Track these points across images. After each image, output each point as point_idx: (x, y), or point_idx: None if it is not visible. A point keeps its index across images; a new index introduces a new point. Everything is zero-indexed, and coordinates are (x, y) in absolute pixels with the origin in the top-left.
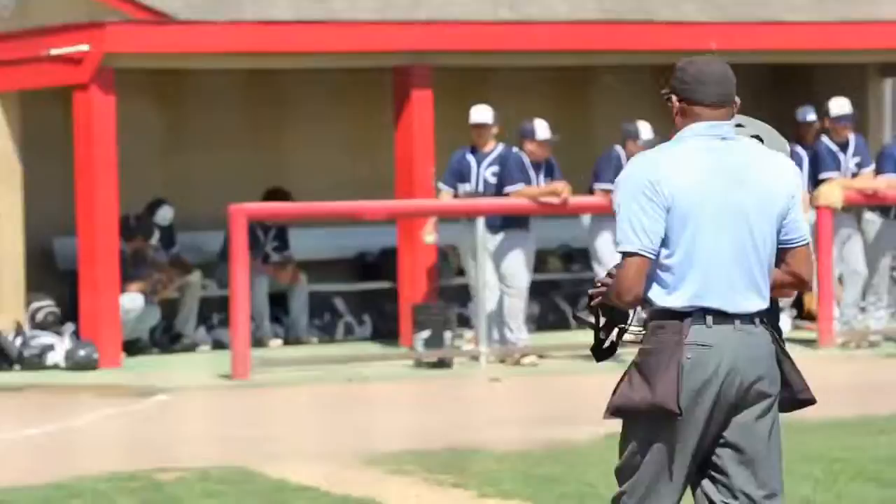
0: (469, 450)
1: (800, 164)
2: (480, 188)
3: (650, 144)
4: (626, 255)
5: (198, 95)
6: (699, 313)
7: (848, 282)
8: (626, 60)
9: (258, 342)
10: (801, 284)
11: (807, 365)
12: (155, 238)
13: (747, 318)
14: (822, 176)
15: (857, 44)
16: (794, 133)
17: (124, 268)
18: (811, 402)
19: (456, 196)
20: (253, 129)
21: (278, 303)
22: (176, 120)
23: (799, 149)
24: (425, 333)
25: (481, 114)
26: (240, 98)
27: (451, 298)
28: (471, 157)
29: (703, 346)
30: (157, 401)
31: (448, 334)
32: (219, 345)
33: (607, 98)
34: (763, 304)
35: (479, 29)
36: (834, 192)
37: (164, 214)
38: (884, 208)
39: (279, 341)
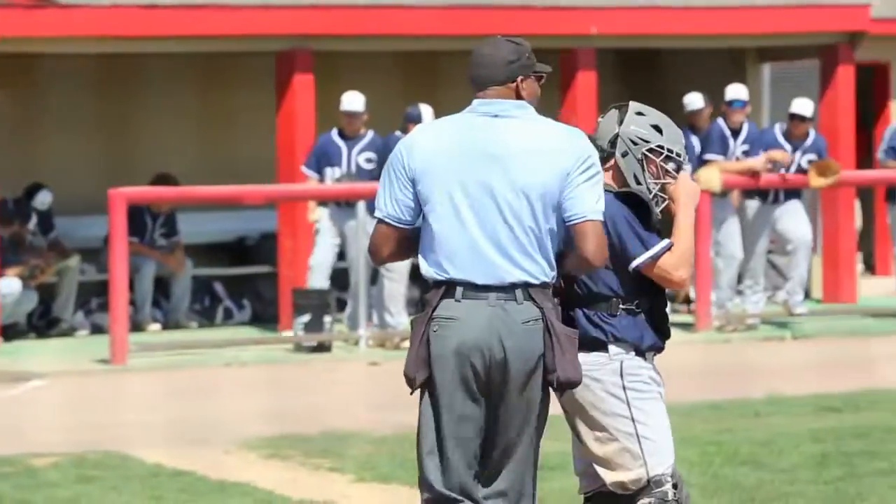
0: (347, 434)
1: (691, 153)
2: (353, 172)
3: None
4: (377, 220)
5: (60, 80)
6: (451, 286)
7: (724, 265)
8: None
9: (137, 326)
10: (585, 263)
11: (684, 349)
12: (33, 223)
13: (505, 292)
14: (706, 157)
15: (732, 28)
16: (684, 120)
17: (2, 253)
18: (571, 384)
19: (321, 181)
20: (108, 114)
21: (158, 287)
22: (45, 105)
23: (693, 138)
24: (305, 318)
25: (354, 102)
26: (110, 82)
27: (332, 283)
28: (340, 141)
29: (448, 319)
30: (33, 386)
31: (327, 318)
32: (97, 329)
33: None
34: (524, 278)
35: (363, 13)
36: (713, 175)
37: (43, 199)
38: (762, 192)
39: (158, 326)
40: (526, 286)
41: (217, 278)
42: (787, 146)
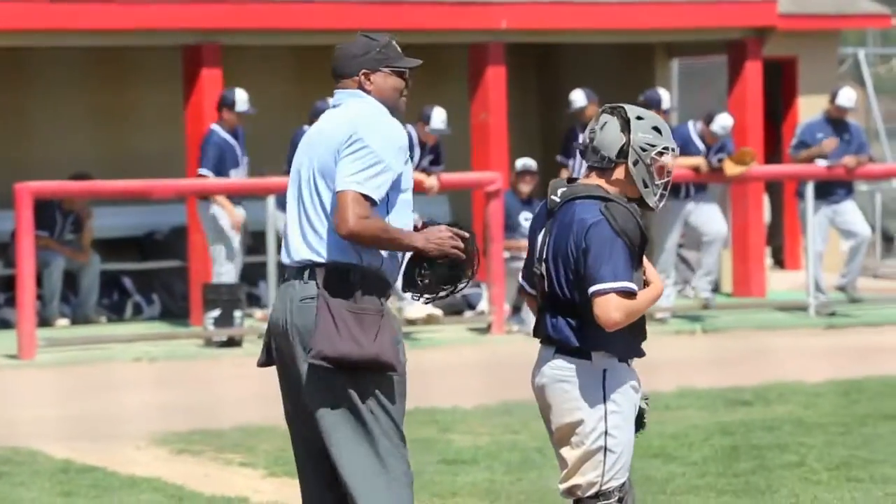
0: (258, 428)
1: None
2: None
3: (438, 134)
4: None
5: None
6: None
7: None
8: (415, 40)
9: (45, 321)
10: (343, 236)
11: None
12: None
13: (295, 271)
14: None
15: (642, 23)
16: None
17: None
18: (328, 358)
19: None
20: (30, 108)
21: (66, 282)
22: None
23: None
24: (215, 312)
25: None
26: (10, 76)
27: (242, 277)
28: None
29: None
30: None
31: (238, 313)
32: (4, 324)
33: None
34: (310, 257)
35: (277, 8)
36: None
37: None
38: (674, 187)
39: (66, 321)
40: (313, 265)
41: (126, 273)
42: (702, 146)
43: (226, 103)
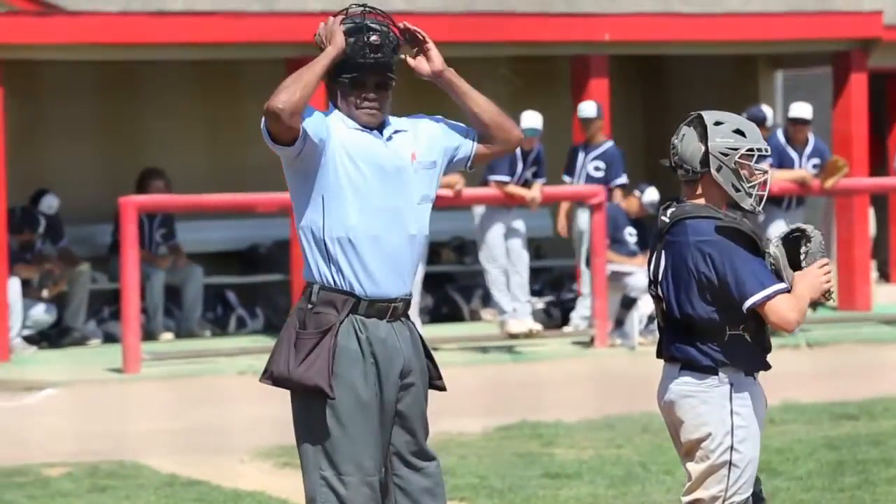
0: None
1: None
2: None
3: (531, 134)
4: None
5: (66, 87)
6: None
7: None
8: (520, 52)
9: (149, 335)
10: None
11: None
12: (41, 227)
13: None
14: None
15: (746, 35)
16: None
17: (12, 262)
18: (277, 381)
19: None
20: (111, 121)
21: (170, 296)
22: (51, 112)
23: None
24: None
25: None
26: (114, 89)
27: None
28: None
29: None
30: (46, 395)
31: None
32: (110, 338)
33: (501, 89)
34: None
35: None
36: None
37: (49, 202)
38: (777, 200)
39: (170, 334)
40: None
41: (229, 287)
42: (792, 152)
43: None
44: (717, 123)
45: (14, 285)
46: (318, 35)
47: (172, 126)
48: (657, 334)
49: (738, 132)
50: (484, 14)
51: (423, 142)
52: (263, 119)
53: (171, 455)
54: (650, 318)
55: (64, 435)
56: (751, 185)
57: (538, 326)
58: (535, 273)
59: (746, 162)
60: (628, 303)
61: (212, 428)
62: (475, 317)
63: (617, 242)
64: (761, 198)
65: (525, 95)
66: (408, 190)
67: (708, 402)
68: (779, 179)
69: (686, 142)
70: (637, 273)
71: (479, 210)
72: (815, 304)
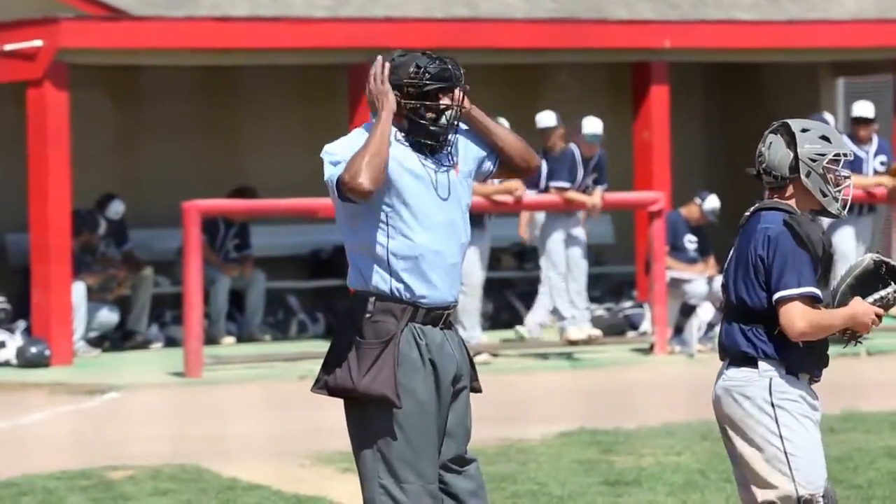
0: None
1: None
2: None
3: (593, 140)
4: None
5: (153, 91)
6: None
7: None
8: (580, 59)
9: (211, 339)
10: None
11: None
12: (102, 229)
13: None
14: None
15: (808, 42)
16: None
17: (75, 261)
18: (332, 391)
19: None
20: (208, 125)
21: (232, 300)
22: (130, 115)
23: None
24: None
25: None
26: (195, 94)
27: None
28: None
29: None
30: (109, 398)
31: None
32: (172, 342)
33: (561, 96)
34: (348, 285)
35: (435, 27)
36: None
37: (116, 209)
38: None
39: (232, 339)
40: (353, 293)
41: (291, 291)
42: (858, 150)
43: None
44: (804, 130)
45: (79, 288)
46: (369, 94)
47: (268, 130)
48: (716, 341)
49: (825, 138)
50: (545, 21)
51: (461, 153)
52: (335, 182)
53: (233, 459)
54: (709, 326)
55: (126, 438)
56: (837, 189)
57: (597, 333)
58: (594, 279)
59: (833, 167)
60: (688, 310)
61: (273, 432)
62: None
63: (676, 249)
64: (846, 202)
65: (586, 102)
66: (458, 201)
67: (750, 396)
68: (862, 185)
69: (774, 149)
70: (696, 280)
71: (540, 217)
72: (845, 341)
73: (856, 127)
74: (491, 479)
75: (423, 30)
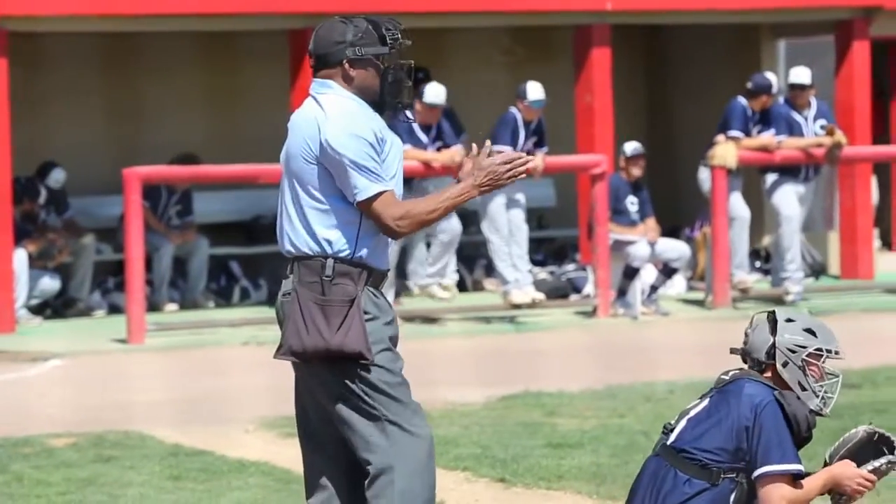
0: None
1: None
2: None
3: (538, 105)
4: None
5: (67, 58)
6: None
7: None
8: (523, 21)
9: (154, 306)
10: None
11: (699, 326)
12: (42, 198)
13: (286, 262)
14: (729, 134)
15: (748, 3)
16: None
17: (16, 230)
18: (296, 354)
19: None
20: (137, 92)
21: (175, 267)
22: (53, 83)
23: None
24: None
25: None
26: (117, 61)
27: None
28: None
29: None
30: (51, 366)
31: None
32: (114, 309)
33: (504, 58)
34: (290, 249)
35: None
36: (729, 152)
37: (56, 177)
38: (793, 170)
39: (175, 305)
40: (294, 258)
41: (233, 257)
42: (798, 117)
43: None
44: (789, 320)
45: (20, 256)
46: (479, 170)
47: (175, 97)
48: (659, 304)
49: (809, 331)
50: None
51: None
52: (368, 196)
53: (176, 425)
54: (652, 288)
55: (68, 405)
56: (820, 385)
57: (540, 296)
58: (537, 243)
59: (815, 361)
60: (631, 272)
61: (216, 398)
62: (478, 287)
63: (618, 213)
64: (829, 399)
65: (527, 66)
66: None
67: None
68: (791, 148)
69: (757, 332)
70: (639, 242)
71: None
72: (839, 499)
73: (793, 93)
74: (435, 442)
75: None
